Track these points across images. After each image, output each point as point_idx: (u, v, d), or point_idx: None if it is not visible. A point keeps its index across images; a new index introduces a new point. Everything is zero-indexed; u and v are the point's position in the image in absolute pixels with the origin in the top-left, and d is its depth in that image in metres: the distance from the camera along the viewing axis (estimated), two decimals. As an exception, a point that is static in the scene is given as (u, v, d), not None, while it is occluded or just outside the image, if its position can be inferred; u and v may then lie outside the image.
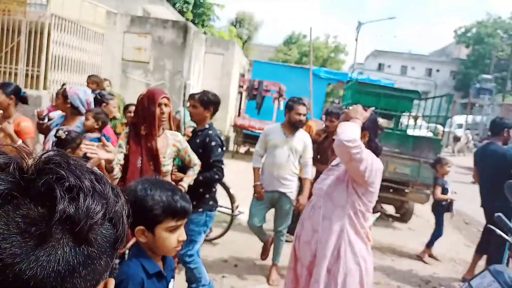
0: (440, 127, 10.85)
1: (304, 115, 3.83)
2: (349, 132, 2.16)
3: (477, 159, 4.62)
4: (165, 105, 2.53)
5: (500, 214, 2.37)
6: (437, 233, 5.24)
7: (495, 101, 25.99)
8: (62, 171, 0.51)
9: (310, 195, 2.81)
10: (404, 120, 9.86)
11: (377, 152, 2.38)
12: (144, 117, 2.49)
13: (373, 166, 2.20)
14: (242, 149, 11.63)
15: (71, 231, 0.50)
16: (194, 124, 3.57)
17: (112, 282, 0.59)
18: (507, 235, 2.30)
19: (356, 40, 14.38)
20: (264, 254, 4.03)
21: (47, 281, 0.48)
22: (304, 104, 3.82)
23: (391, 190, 6.60)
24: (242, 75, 15.27)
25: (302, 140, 3.87)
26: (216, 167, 3.01)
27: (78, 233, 0.50)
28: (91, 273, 0.52)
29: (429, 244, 5.27)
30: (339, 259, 2.25)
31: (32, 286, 0.47)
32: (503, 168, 4.02)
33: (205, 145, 3.03)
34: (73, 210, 0.50)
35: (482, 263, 4.65)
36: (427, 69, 45.25)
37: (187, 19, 14.43)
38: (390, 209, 7.36)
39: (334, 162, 2.56)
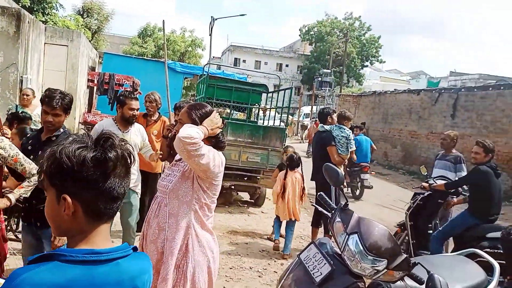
0: (290, 117, 11.89)
1: (137, 109, 3.93)
2: (188, 130, 2.20)
3: (313, 142, 5.55)
4: None
5: (321, 193, 2.73)
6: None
7: (334, 93, 29.56)
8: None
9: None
10: (256, 111, 10.51)
11: (219, 146, 2.46)
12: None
13: (215, 161, 2.28)
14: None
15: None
16: None
17: None
18: (327, 211, 2.65)
19: (210, 35, 14.68)
20: None
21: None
22: (136, 99, 3.89)
23: (245, 178, 7.01)
24: (92, 68, 14.20)
25: (139, 131, 4.00)
26: None
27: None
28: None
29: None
30: (187, 254, 2.30)
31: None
32: (323, 147, 5.14)
33: None
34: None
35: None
36: (278, 64, 48.87)
37: (23, 6, 12.71)
38: (245, 196, 7.79)
39: (177, 157, 2.58)
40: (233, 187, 7.19)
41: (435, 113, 14.56)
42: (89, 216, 1.03)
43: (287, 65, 48.89)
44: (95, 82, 10.58)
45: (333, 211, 2.55)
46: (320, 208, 2.75)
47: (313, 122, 20.84)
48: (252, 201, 7.55)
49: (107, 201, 1.04)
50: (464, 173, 5.34)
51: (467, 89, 13.92)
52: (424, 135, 15.04)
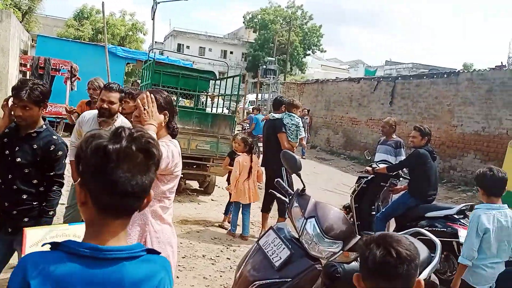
0: (237, 105, 11.88)
1: (113, 103, 3.47)
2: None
3: (263, 129, 5.64)
4: None
5: (279, 179, 2.78)
6: (230, 200, 5.80)
7: (279, 80, 29.91)
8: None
9: None
10: (203, 99, 10.38)
11: (174, 133, 2.40)
12: None
13: (173, 153, 2.21)
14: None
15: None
16: None
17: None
18: (285, 196, 2.72)
19: (153, 19, 14.15)
20: None
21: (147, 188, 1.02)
22: (113, 90, 3.49)
23: (194, 166, 6.94)
24: (25, 52, 13.19)
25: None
26: (57, 184, 2.56)
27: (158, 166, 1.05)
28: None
29: (226, 212, 5.79)
30: None
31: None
32: (274, 134, 5.27)
33: (46, 153, 2.51)
34: (159, 155, 1.04)
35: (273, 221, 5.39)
36: (223, 51, 48.45)
37: None
38: (194, 184, 7.72)
39: None
40: (182, 175, 7.07)
41: (374, 101, 15.28)
42: (98, 209, 0.99)
43: (231, 52, 48.62)
44: (28, 66, 9.87)
45: (290, 197, 2.61)
46: (278, 194, 2.80)
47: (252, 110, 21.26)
48: (202, 189, 7.50)
49: (113, 195, 0.97)
50: (403, 157, 5.69)
51: (403, 77, 14.72)
52: (364, 121, 15.75)
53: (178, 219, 5.67)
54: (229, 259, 4.59)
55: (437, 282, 2.92)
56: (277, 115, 5.48)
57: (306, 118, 12.99)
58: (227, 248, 4.91)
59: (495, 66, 11.34)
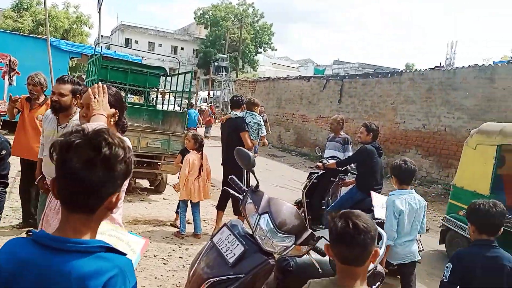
0: (189, 102, 11.71)
1: (65, 95, 3.24)
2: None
3: (223, 127, 5.55)
4: None
5: (233, 176, 2.78)
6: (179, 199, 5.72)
7: (231, 78, 29.89)
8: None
9: None
10: (154, 95, 10.14)
11: (123, 130, 2.35)
12: None
13: None
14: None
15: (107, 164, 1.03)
16: None
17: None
18: (239, 193, 2.72)
19: (99, 12, 13.57)
20: None
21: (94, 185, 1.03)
22: (65, 82, 3.26)
23: (145, 165, 6.76)
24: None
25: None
26: (2, 185, 2.35)
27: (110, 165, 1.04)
28: (110, 188, 1.07)
29: (177, 210, 5.70)
30: None
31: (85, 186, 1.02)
32: (236, 133, 5.20)
33: None
34: (108, 153, 1.03)
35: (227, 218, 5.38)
36: (173, 47, 47.57)
37: None
38: (145, 183, 7.53)
39: None
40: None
41: (323, 99, 15.71)
42: (60, 203, 1.09)
43: (182, 48, 47.87)
44: (-40, 59, 9.11)
45: (244, 193, 2.62)
46: (231, 191, 2.80)
47: (209, 106, 21.11)
48: (153, 188, 7.34)
49: (64, 189, 1.06)
50: (351, 153, 5.91)
51: (350, 76, 15.26)
52: (313, 119, 16.15)
53: (128, 219, 5.51)
54: (182, 258, 4.53)
55: (383, 272, 3.07)
56: (239, 114, 5.48)
57: (264, 115, 13.12)
58: (180, 247, 4.85)
59: (435, 67, 12.05)
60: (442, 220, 5.73)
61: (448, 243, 5.54)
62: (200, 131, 18.87)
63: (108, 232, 1.61)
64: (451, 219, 5.43)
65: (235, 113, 5.48)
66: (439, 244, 5.69)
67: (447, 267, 2.41)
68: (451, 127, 10.58)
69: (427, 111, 11.32)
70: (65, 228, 1.06)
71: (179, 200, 5.69)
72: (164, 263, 4.35)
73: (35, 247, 1.02)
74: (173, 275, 4.08)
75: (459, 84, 10.46)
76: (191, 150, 5.33)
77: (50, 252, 1.01)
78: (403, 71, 13.06)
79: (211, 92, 31.63)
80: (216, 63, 32.50)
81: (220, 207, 5.40)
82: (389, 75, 13.07)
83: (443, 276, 2.42)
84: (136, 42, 44.95)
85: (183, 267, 4.25)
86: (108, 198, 1.08)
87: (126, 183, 1.23)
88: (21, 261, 1.02)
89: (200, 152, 5.30)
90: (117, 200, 1.11)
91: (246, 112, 5.57)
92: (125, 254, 1.09)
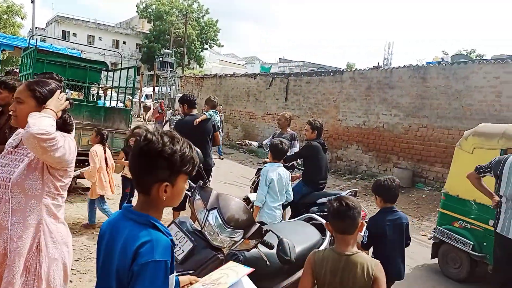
0: (133, 98, 11.36)
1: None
2: (43, 123, 1.91)
3: (202, 126, 5.35)
4: None
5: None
6: (123, 198, 5.61)
7: (176, 74, 29.34)
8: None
9: None
10: (95, 91, 9.72)
11: (68, 128, 2.23)
12: None
13: (71, 149, 2.07)
14: None
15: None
16: None
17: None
18: (187, 190, 2.71)
19: (32, 2, 12.68)
20: None
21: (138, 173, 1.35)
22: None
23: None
24: None
25: None
26: None
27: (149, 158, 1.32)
28: (152, 177, 1.32)
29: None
30: (40, 253, 2.04)
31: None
32: (212, 132, 5.36)
33: None
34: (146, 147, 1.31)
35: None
36: (115, 41, 45.80)
37: None
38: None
39: (12, 143, 2.21)
40: (72, 174, 6.57)
41: (270, 96, 15.93)
42: None
43: (124, 42, 46.23)
44: None
45: (192, 190, 2.62)
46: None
47: (159, 103, 20.73)
48: (95, 187, 7.04)
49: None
50: (297, 149, 6.07)
51: (295, 75, 15.60)
52: (260, 116, 16.34)
53: (70, 221, 5.28)
54: (128, 258, 4.42)
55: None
56: (212, 113, 5.65)
57: (221, 115, 13.05)
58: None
59: (373, 66, 12.65)
60: (434, 232, 5.09)
61: (442, 258, 5.03)
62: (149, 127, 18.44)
63: (228, 266, 1.80)
64: (445, 231, 4.87)
65: (209, 113, 5.58)
66: (431, 258, 5.16)
67: (365, 233, 3.05)
68: (389, 123, 11.19)
69: (367, 108, 11.88)
70: (137, 204, 1.38)
71: (121, 199, 5.60)
72: (109, 264, 4.21)
73: (119, 215, 1.41)
74: (118, 276, 3.97)
75: (395, 83, 11.08)
76: (94, 144, 5.36)
77: (123, 218, 1.37)
78: (344, 70, 13.57)
79: (156, 88, 30.89)
80: (160, 59, 31.73)
81: (177, 207, 5.27)
82: (332, 73, 13.52)
83: (362, 240, 3.06)
84: (74, 35, 42.75)
85: (129, 267, 4.15)
86: (153, 186, 1.32)
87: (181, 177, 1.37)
88: (108, 223, 1.44)
89: (103, 145, 5.38)
90: (167, 190, 1.32)
91: (212, 111, 5.72)
92: (168, 235, 1.35)
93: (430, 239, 5.25)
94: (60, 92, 2.17)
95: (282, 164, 4.24)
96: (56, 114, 2.07)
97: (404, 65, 11.07)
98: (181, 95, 7.29)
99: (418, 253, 5.58)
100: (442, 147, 9.73)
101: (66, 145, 2.02)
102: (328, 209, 2.12)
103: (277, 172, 4.08)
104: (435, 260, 5.14)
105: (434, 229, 5.13)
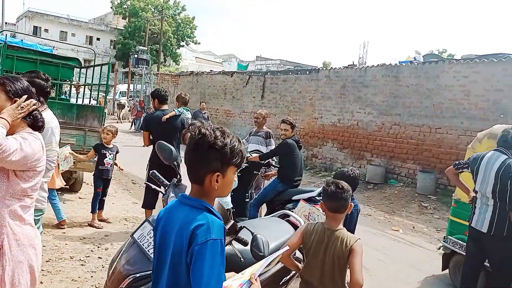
0: (106, 96, 11.13)
1: None
2: None
3: (173, 123, 5.23)
4: None
5: (154, 171, 2.75)
6: (95, 197, 5.49)
7: (152, 71, 28.94)
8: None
9: None
10: (67, 88, 9.49)
11: (37, 125, 2.16)
12: None
13: (33, 149, 1.99)
14: None
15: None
16: None
17: None
18: (160, 187, 2.70)
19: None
20: None
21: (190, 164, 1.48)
22: None
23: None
24: None
25: None
26: None
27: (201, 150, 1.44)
28: (203, 168, 1.44)
29: (93, 210, 5.46)
30: (4, 256, 1.98)
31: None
32: (180, 130, 5.18)
33: None
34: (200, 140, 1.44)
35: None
36: (88, 37, 44.77)
37: None
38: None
39: None
40: (43, 172, 6.41)
41: (246, 94, 15.95)
42: None
43: (98, 39, 45.23)
44: None
45: (166, 187, 2.61)
46: (153, 186, 2.76)
47: (139, 101, 20.48)
48: (68, 187, 6.89)
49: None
50: (273, 147, 6.11)
51: (272, 73, 15.67)
52: (237, 114, 16.33)
53: (41, 221, 5.14)
54: (101, 258, 4.36)
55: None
56: (183, 110, 5.53)
57: (205, 113, 12.89)
58: (98, 247, 4.65)
59: (348, 65, 12.84)
60: (444, 241, 4.73)
61: (453, 269, 4.64)
62: (123, 126, 18.14)
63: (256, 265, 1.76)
64: (458, 241, 4.47)
65: (179, 110, 5.46)
66: (442, 270, 4.77)
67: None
68: (363, 121, 11.39)
69: (342, 106, 12.06)
70: (191, 193, 1.49)
71: (93, 198, 5.53)
72: (82, 264, 4.15)
73: (176, 202, 1.53)
74: (91, 276, 3.91)
75: (369, 81, 11.29)
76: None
77: (179, 204, 1.49)
78: (320, 68, 13.72)
79: (131, 86, 30.41)
80: (135, 56, 31.18)
81: (148, 205, 5.20)
82: (308, 72, 13.65)
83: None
84: (46, 30, 41.54)
85: (103, 267, 4.09)
86: (206, 176, 1.43)
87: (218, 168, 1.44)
88: (165, 210, 1.57)
89: None
90: (218, 180, 1.43)
91: (183, 108, 5.59)
92: (220, 219, 1.45)
93: (439, 248, 4.95)
94: (28, 99, 2.09)
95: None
96: (10, 123, 1.99)
97: (378, 64, 11.29)
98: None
99: (425, 264, 5.39)
100: (414, 144, 9.99)
101: (26, 147, 1.95)
102: (324, 191, 2.43)
103: None
104: (446, 272, 4.76)
105: (444, 238, 4.75)
